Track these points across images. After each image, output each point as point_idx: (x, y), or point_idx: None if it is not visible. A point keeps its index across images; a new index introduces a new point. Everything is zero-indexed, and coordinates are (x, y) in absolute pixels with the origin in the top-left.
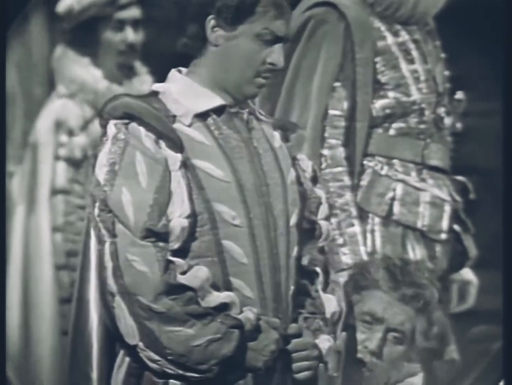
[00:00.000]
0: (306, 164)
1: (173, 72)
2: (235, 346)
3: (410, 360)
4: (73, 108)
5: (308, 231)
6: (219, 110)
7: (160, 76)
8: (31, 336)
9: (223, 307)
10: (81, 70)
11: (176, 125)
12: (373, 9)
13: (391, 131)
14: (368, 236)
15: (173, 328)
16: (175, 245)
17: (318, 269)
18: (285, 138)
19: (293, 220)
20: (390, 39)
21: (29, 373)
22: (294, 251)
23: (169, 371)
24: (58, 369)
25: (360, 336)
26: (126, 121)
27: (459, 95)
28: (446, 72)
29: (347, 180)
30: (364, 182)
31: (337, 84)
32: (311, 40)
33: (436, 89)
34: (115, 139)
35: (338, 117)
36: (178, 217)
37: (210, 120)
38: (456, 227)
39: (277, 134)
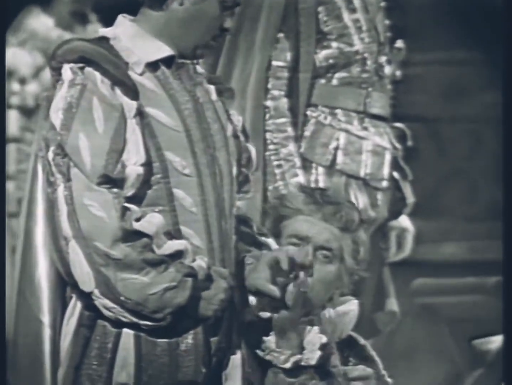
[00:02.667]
0: (237, 119)
1: (121, 18)
2: (189, 294)
3: (343, 284)
4: (24, 57)
5: (241, 183)
6: (167, 61)
7: (111, 24)
8: None
9: (178, 255)
10: (32, 18)
11: (131, 72)
12: None
13: (334, 81)
14: (312, 186)
15: (129, 275)
16: (129, 192)
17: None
18: (219, 93)
19: (234, 171)
20: None
21: None
22: (237, 203)
23: (124, 319)
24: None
25: None
26: (81, 65)
27: (399, 44)
28: (387, 22)
29: (290, 131)
30: (307, 132)
31: (280, 35)
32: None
33: (377, 38)
34: (71, 83)
35: (282, 68)
36: (133, 164)
37: (159, 71)
38: (396, 174)
39: (212, 88)
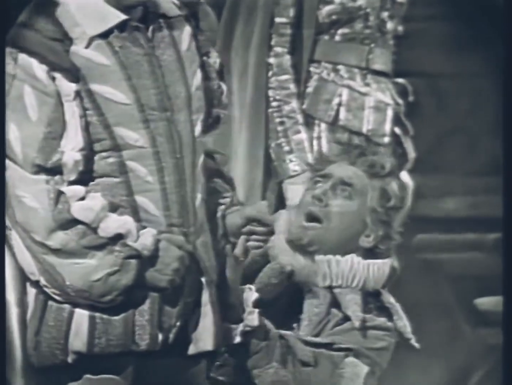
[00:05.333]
0: (215, 60)
1: None
2: (134, 275)
3: (366, 227)
4: None
5: (212, 123)
6: (121, 26)
7: None
8: None
9: (119, 237)
10: None
11: (73, 48)
12: None
13: (337, 37)
14: (315, 142)
15: (72, 260)
16: (71, 177)
17: None
18: (197, 29)
19: (198, 129)
20: None
21: None
22: (201, 159)
23: (75, 302)
24: None
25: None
26: (14, 50)
27: None
28: None
29: (293, 88)
30: (310, 89)
31: None
32: None
33: None
34: (7, 73)
35: (284, 25)
36: (71, 150)
37: (111, 37)
38: (397, 130)
39: (187, 31)
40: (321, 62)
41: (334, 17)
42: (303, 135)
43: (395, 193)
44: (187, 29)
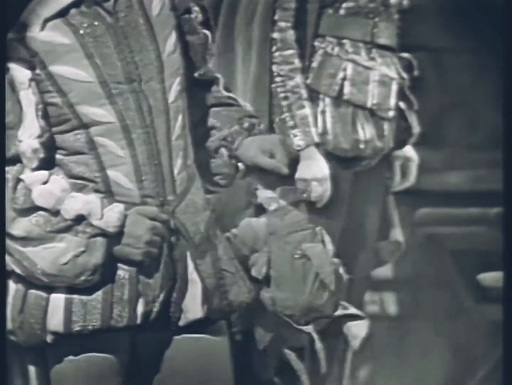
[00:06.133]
0: (196, 14)
1: None
2: (103, 253)
3: None
4: None
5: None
6: (77, 3)
7: None
8: None
9: (81, 217)
10: None
11: (29, 34)
12: None
13: (341, 11)
14: (319, 117)
15: (43, 245)
16: (33, 165)
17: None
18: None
19: (173, 95)
20: None
21: None
22: (178, 123)
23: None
24: None
25: None
26: None
27: None
28: None
29: (297, 62)
30: (315, 63)
31: None
32: None
33: None
34: None
35: None
36: (27, 138)
37: (69, 16)
38: (401, 104)
39: (155, 1)
40: (326, 37)
41: None
42: (307, 110)
43: None
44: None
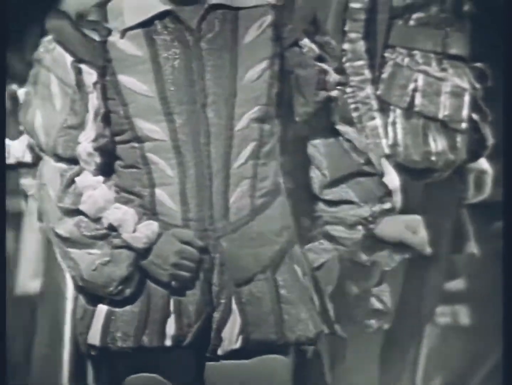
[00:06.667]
0: (309, 48)
1: None
2: (129, 265)
3: None
4: None
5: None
6: (163, 16)
7: None
8: None
9: (113, 228)
10: None
11: (110, 38)
12: None
13: (412, 22)
14: (390, 128)
15: (84, 250)
16: (90, 168)
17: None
18: (283, 18)
19: (244, 123)
20: None
21: None
22: (244, 152)
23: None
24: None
25: None
26: (49, 38)
27: None
28: None
29: (367, 73)
30: (385, 74)
31: None
32: None
33: None
34: (36, 59)
35: (359, 10)
36: (84, 141)
37: (151, 26)
38: (475, 116)
39: (265, 21)
40: (396, 48)
41: (408, 1)
42: (378, 121)
43: None
44: (267, 19)
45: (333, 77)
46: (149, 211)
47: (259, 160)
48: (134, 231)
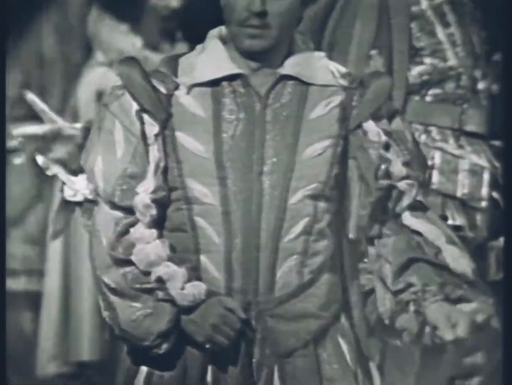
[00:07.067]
0: (373, 133)
1: (211, 35)
2: (169, 320)
3: None
4: (113, 77)
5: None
6: (233, 78)
7: (198, 43)
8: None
9: (161, 281)
10: (120, 37)
11: (177, 92)
12: None
13: (428, 98)
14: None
15: (127, 302)
16: (145, 220)
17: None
18: (352, 101)
19: (298, 197)
20: (424, 3)
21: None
22: (296, 228)
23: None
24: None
25: None
26: (118, 84)
27: (496, 57)
28: (483, 33)
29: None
30: None
31: (373, 52)
32: (345, 10)
33: (472, 51)
34: (103, 103)
35: None
36: (142, 192)
37: (219, 86)
38: (495, 194)
39: (334, 100)
40: (412, 124)
41: (424, 77)
42: None
43: None
44: (336, 99)
45: (399, 168)
46: (194, 276)
47: (311, 237)
48: (182, 289)
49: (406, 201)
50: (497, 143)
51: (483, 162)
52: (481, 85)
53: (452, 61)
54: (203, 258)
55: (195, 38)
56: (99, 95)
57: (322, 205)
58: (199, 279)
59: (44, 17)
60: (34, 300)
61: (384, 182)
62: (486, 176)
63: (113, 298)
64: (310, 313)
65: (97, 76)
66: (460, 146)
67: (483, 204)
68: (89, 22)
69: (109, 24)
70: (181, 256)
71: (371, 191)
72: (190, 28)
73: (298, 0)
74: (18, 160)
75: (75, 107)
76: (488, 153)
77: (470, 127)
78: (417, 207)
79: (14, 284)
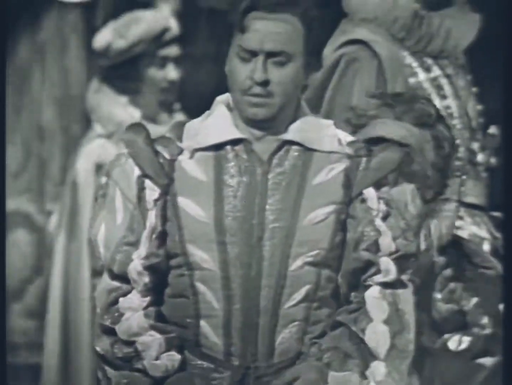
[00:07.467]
0: (373, 201)
1: (218, 100)
2: None
3: (430, 181)
4: (112, 149)
5: (358, 270)
6: (236, 143)
7: (196, 114)
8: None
9: (138, 353)
10: (119, 109)
11: (180, 157)
12: (403, 44)
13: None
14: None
15: (120, 371)
16: (138, 288)
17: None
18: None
19: (298, 264)
20: (422, 75)
21: None
22: (297, 295)
23: None
24: None
25: None
26: (123, 151)
27: (493, 130)
28: (479, 107)
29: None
30: None
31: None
32: (343, 79)
33: (469, 124)
34: (106, 170)
35: None
36: (136, 258)
37: (224, 151)
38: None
39: (338, 166)
40: None
41: None
42: None
43: (447, 137)
44: (340, 166)
45: (387, 242)
46: (193, 342)
47: (313, 304)
48: (157, 359)
49: (380, 278)
50: (497, 214)
51: (483, 233)
52: (480, 158)
53: None
54: (203, 323)
55: (193, 109)
56: (98, 167)
57: (326, 272)
58: (198, 344)
59: (44, 89)
60: (34, 373)
61: (365, 254)
62: (486, 247)
63: (105, 367)
64: (308, 382)
65: (96, 148)
66: (460, 218)
67: None
68: (89, 94)
69: (109, 96)
70: (181, 321)
71: (349, 261)
72: (188, 99)
73: (301, 68)
74: (17, 233)
75: (74, 179)
76: (489, 224)
77: (469, 199)
78: (391, 285)
79: (13, 357)
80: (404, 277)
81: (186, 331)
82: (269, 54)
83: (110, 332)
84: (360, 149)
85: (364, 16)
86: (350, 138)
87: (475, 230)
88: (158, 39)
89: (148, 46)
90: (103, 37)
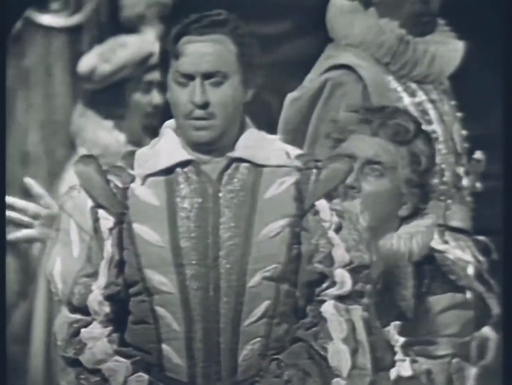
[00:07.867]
0: (325, 213)
1: (166, 128)
2: None
3: (405, 197)
4: None
5: (313, 283)
6: (185, 164)
7: None
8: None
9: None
10: (104, 133)
11: (133, 184)
12: (388, 68)
13: None
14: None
15: None
16: (99, 318)
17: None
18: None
19: (256, 280)
20: (407, 100)
21: None
22: (257, 311)
23: None
24: None
25: None
26: (75, 185)
27: (478, 155)
28: (464, 132)
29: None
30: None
31: None
32: (328, 103)
33: (454, 149)
34: (59, 204)
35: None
36: (96, 289)
37: (173, 174)
38: (479, 287)
39: (289, 180)
40: None
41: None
42: None
43: (424, 153)
44: (291, 179)
45: (341, 253)
46: (157, 366)
47: (273, 320)
48: (125, 383)
49: (335, 291)
50: (481, 238)
51: (467, 257)
52: (465, 182)
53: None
54: (165, 347)
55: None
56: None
57: (285, 287)
58: (162, 369)
59: (29, 113)
60: None
61: (319, 267)
62: (470, 270)
63: None
64: None
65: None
66: (445, 242)
67: (467, 295)
68: (74, 118)
69: (93, 120)
70: (144, 347)
71: (304, 273)
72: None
73: (239, 85)
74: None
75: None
76: (472, 248)
77: (454, 223)
78: (345, 298)
79: None
80: (358, 289)
81: (149, 357)
82: (205, 76)
83: (74, 363)
84: (309, 162)
85: (349, 41)
86: (298, 151)
87: (460, 254)
88: (143, 63)
89: (133, 70)
90: (88, 62)
